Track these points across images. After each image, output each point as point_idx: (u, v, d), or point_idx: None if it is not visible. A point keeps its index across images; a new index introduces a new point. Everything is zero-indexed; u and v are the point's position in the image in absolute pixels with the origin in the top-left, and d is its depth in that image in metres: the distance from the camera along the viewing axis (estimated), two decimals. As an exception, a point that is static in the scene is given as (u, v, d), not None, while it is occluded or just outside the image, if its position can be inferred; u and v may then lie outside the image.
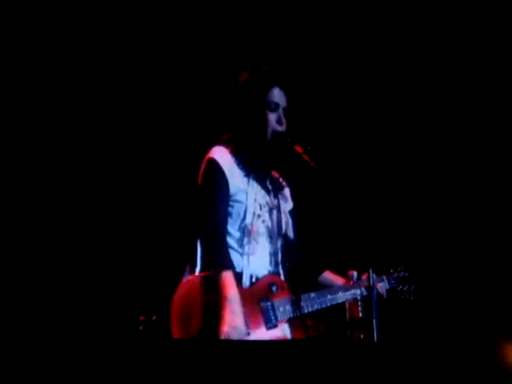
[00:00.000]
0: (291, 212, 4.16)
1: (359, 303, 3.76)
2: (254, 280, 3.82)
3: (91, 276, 5.18)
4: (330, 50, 5.51)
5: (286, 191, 4.14)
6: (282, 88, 3.97)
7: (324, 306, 3.85)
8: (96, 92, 5.29)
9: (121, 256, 5.26)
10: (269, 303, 3.76)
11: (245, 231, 3.88)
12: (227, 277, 3.63)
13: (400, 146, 5.53)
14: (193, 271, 3.79)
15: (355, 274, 3.97)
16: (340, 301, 3.90)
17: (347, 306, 3.79)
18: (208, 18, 5.35)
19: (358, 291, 3.94)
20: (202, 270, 3.74)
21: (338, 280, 4.07)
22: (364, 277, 3.98)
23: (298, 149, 3.87)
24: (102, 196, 5.24)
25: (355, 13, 5.45)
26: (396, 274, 4.16)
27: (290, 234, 4.09)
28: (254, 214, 3.91)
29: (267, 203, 4.00)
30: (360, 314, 3.75)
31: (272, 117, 3.93)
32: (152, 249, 5.25)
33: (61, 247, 5.19)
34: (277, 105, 3.94)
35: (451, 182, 5.46)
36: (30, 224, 5.18)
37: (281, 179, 4.12)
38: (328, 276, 4.11)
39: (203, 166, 3.93)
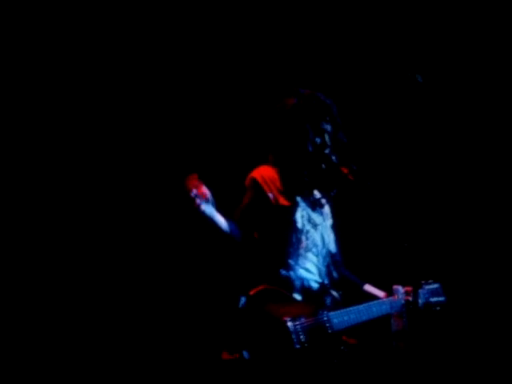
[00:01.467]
0: (332, 227, 4.43)
1: (404, 317, 4.03)
2: (305, 293, 4.14)
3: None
4: (368, 68, 5.75)
5: (327, 208, 4.43)
6: (328, 114, 4.29)
7: (371, 317, 4.15)
8: (137, 112, 5.53)
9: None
10: (325, 314, 4.07)
11: (294, 246, 4.19)
12: None
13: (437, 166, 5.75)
14: None
15: (400, 288, 4.22)
16: (384, 313, 4.17)
17: (392, 318, 4.03)
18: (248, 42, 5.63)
19: (401, 305, 4.18)
20: None
21: (379, 293, 4.34)
22: (403, 290, 4.25)
23: (344, 170, 4.22)
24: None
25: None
26: (427, 287, 4.36)
27: (333, 248, 4.38)
28: (301, 230, 4.22)
29: (312, 220, 4.30)
30: (404, 326, 4.01)
31: (318, 141, 4.25)
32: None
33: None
34: (322, 130, 4.26)
35: (484, 195, 5.70)
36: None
37: (322, 197, 4.40)
38: (369, 289, 4.38)
39: (246, 183, 4.27)
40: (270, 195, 4.21)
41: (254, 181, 4.25)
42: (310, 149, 4.25)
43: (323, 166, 4.26)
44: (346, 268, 4.47)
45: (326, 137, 4.27)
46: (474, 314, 5.58)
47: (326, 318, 4.07)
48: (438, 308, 4.37)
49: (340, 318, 4.10)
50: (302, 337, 3.97)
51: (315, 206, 4.38)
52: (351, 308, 4.16)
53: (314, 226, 4.32)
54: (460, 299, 5.21)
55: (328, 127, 4.29)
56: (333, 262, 4.36)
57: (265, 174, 4.27)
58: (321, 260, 4.30)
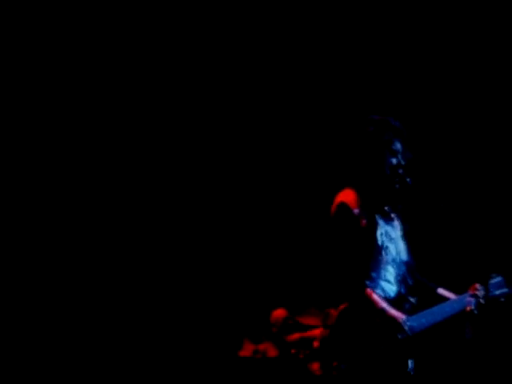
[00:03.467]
0: (402, 237, 5.01)
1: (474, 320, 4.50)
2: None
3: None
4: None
5: (397, 220, 5.02)
6: (398, 136, 4.90)
7: (445, 316, 4.74)
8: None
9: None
10: (405, 318, 4.69)
11: (375, 262, 4.82)
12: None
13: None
14: None
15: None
16: (457, 311, 4.75)
17: (467, 325, 4.49)
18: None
19: (473, 300, 4.75)
20: None
21: (451, 295, 4.88)
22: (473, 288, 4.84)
23: (418, 190, 4.84)
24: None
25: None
26: (491, 281, 4.84)
27: (405, 257, 4.96)
28: (381, 246, 4.85)
29: (389, 234, 4.92)
30: (478, 333, 4.49)
31: (393, 161, 4.86)
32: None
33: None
34: (395, 151, 4.87)
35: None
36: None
37: (391, 211, 5.00)
38: (442, 292, 4.93)
39: (335, 209, 4.87)
40: (357, 217, 4.81)
41: (343, 205, 4.85)
42: (388, 171, 4.88)
43: (397, 186, 4.88)
44: (420, 274, 5.05)
45: (399, 156, 4.88)
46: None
47: (405, 322, 4.72)
48: (503, 299, 4.89)
49: (417, 321, 4.73)
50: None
51: (388, 220, 5.01)
52: (426, 311, 4.77)
53: (390, 240, 4.95)
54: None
55: (399, 147, 4.89)
56: (407, 270, 4.95)
57: (348, 197, 4.88)
58: (397, 270, 4.91)
